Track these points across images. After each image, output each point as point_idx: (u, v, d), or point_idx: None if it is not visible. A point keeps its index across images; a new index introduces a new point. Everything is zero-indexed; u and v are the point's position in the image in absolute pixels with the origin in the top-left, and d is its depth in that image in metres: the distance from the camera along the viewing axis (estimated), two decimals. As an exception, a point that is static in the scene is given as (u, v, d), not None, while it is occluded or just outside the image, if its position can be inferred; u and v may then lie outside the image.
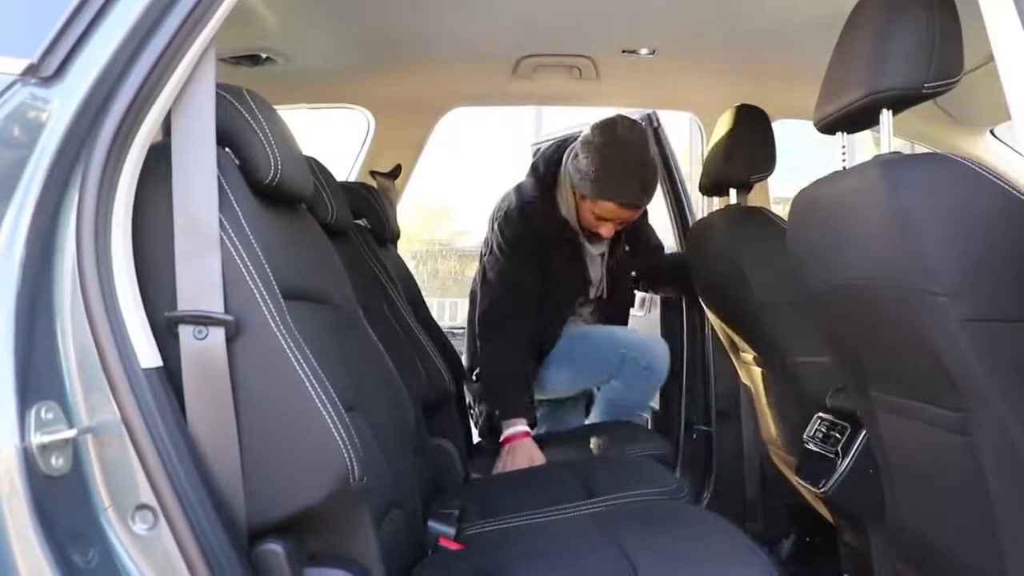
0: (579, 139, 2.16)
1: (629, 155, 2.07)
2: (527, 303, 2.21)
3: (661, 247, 2.65)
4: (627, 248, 2.43)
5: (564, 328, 2.36)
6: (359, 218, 2.13)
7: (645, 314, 2.77)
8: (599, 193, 2.08)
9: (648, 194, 2.14)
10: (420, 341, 2.04)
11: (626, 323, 2.60)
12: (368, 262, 2.00)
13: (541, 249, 2.22)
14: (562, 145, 2.27)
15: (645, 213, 2.42)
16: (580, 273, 2.33)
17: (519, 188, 2.29)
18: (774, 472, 2.16)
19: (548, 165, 2.25)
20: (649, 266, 2.58)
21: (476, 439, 2.46)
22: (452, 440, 2.04)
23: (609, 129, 2.11)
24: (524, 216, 2.21)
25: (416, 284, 2.44)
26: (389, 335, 1.83)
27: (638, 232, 2.48)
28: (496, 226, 2.27)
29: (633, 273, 2.51)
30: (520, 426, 2.11)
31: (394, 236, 2.35)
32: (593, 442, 1.74)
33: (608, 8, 1.85)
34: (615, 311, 2.52)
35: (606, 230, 2.17)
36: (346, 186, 2.05)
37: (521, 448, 2.09)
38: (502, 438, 2.13)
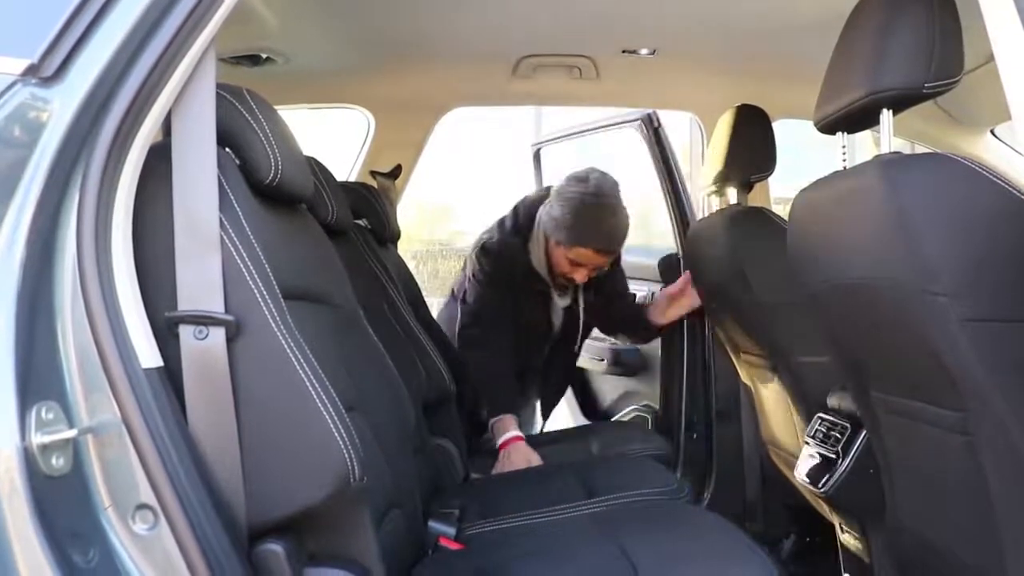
0: (553, 191, 2.23)
1: (602, 202, 2.15)
2: (505, 321, 2.31)
3: (629, 296, 2.59)
4: (594, 294, 2.43)
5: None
6: (359, 218, 2.13)
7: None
8: (574, 239, 2.15)
9: (620, 240, 2.21)
10: (420, 341, 2.04)
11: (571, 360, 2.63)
12: (368, 262, 2.00)
13: (513, 286, 2.30)
14: (542, 198, 2.31)
15: (617, 260, 2.44)
16: (546, 322, 2.40)
17: (501, 224, 2.36)
18: (774, 472, 2.16)
19: (527, 212, 2.32)
20: (614, 314, 2.55)
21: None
22: (452, 440, 2.04)
23: (583, 180, 2.18)
24: (502, 251, 2.30)
25: (416, 284, 2.44)
26: (389, 335, 1.83)
27: (610, 279, 2.46)
28: (475, 255, 2.35)
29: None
30: (512, 430, 2.16)
31: (394, 236, 2.35)
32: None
33: (608, 8, 1.85)
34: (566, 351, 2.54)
35: (580, 276, 2.22)
36: (346, 186, 2.06)
37: (516, 451, 2.12)
38: (498, 444, 2.16)
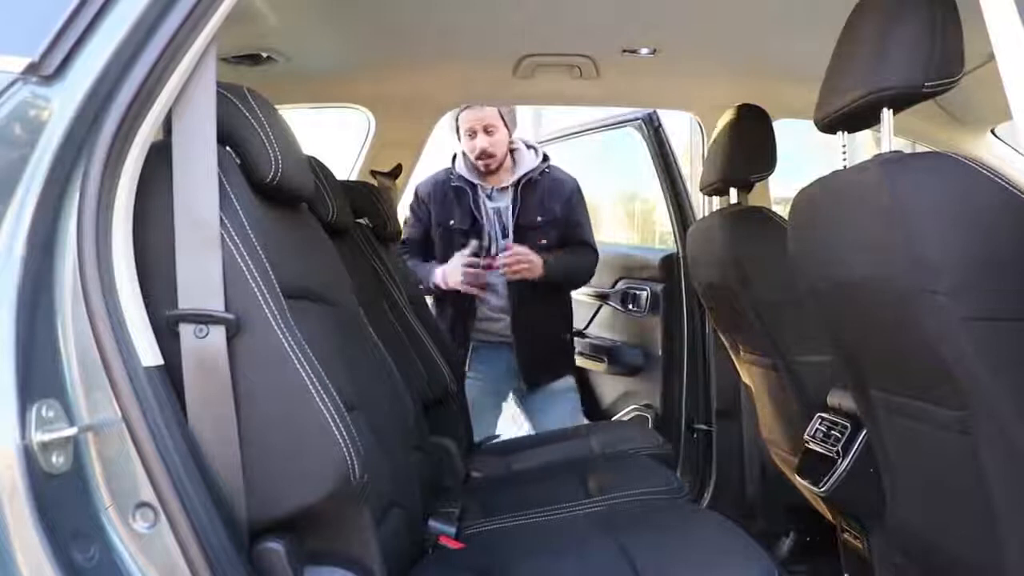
0: None
1: None
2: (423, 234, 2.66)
3: (583, 245, 2.63)
4: (540, 220, 2.56)
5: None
6: (360, 216, 2.14)
7: (645, 313, 2.76)
8: (454, 120, 2.52)
9: None
10: (421, 340, 2.04)
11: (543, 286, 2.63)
12: (369, 261, 2.00)
13: (439, 202, 2.59)
14: None
15: (572, 200, 2.60)
16: (472, 219, 2.56)
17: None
18: (774, 472, 2.16)
19: (452, 159, 2.64)
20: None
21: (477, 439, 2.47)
22: (452, 439, 2.04)
23: None
24: (424, 183, 2.65)
25: (417, 284, 2.44)
26: (389, 334, 1.83)
27: (568, 217, 2.60)
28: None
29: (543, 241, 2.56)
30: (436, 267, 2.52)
31: (395, 235, 2.35)
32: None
33: (608, 8, 1.85)
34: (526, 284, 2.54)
35: (480, 141, 2.48)
36: (347, 184, 2.06)
37: (451, 268, 2.45)
38: (433, 282, 2.51)
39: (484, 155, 2.49)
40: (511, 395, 2.72)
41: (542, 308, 2.55)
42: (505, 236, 2.53)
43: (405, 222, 2.63)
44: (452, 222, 2.56)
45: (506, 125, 2.53)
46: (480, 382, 2.58)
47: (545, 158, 2.62)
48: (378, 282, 2.00)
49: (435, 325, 2.38)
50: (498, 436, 2.59)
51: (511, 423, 2.97)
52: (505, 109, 2.53)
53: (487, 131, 2.49)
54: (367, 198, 2.18)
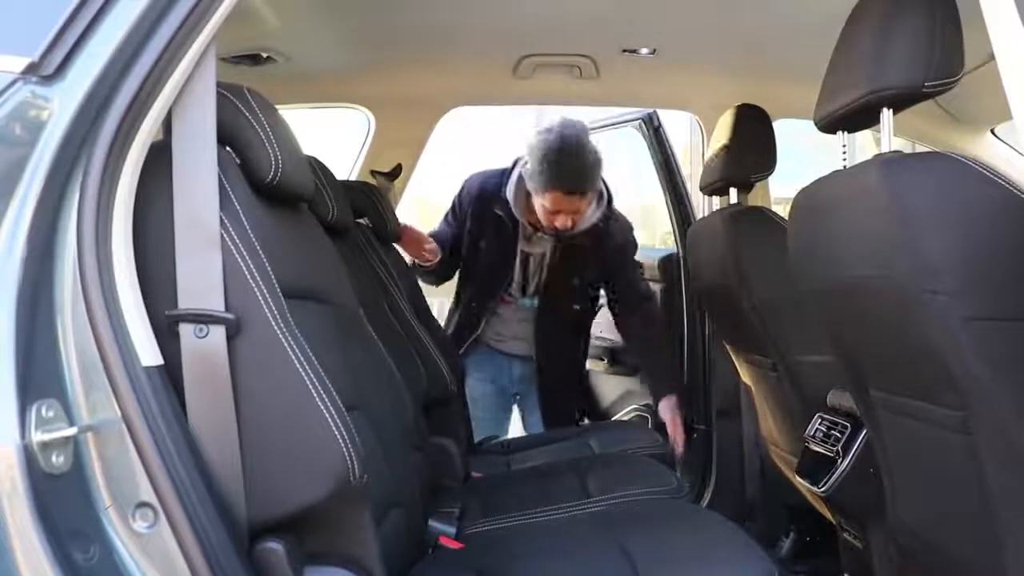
0: (526, 146, 2.31)
1: (564, 146, 2.20)
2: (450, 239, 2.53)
3: (633, 280, 2.56)
4: (590, 267, 2.46)
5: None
6: (360, 216, 2.14)
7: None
8: (542, 184, 2.22)
9: (586, 180, 2.23)
10: (421, 340, 2.04)
11: (567, 345, 2.60)
12: (369, 261, 2.00)
13: (480, 217, 2.44)
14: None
15: (626, 251, 2.49)
16: (506, 255, 2.44)
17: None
18: (774, 472, 2.16)
19: (512, 166, 2.44)
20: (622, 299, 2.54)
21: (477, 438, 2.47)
22: (453, 439, 2.04)
23: (547, 130, 2.25)
24: (475, 182, 2.49)
25: (418, 283, 2.45)
26: (389, 334, 1.83)
27: (616, 266, 2.50)
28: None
29: (576, 307, 2.50)
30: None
31: (395, 235, 2.36)
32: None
33: (608, 8, 1.85)
34: (548, 324, 2.50)
35: (561, 222, 2.27)
36: (347, 184, 2.07)
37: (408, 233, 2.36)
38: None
39: (555, 230, 2.31)
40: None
41: (564, 350, 2.56)
42: (536, 286, 2.45)
43: (445, 215, 2.60)
44: (482, 243, 2.45)
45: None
46: (483, 383, 2.58)
47: (609, 202, 2.41)
48: (378, 282, 2.00)
49: (436, 325, 2.37)
50: (497, 436, 2.59)
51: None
52: (596, 180, 2.26)
53: (574, 214, 2.27)
54: (367, 198, 2.18)
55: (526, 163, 2.28)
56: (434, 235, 2.53)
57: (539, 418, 2.61)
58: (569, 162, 2.19)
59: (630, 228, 2.54)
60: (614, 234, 2.45)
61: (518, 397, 2.68)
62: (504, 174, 2.43)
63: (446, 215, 2.59)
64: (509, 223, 2.40)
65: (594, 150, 2.24)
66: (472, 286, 2.52)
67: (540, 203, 2.27)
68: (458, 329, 2.55)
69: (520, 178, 2.34)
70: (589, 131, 2.30)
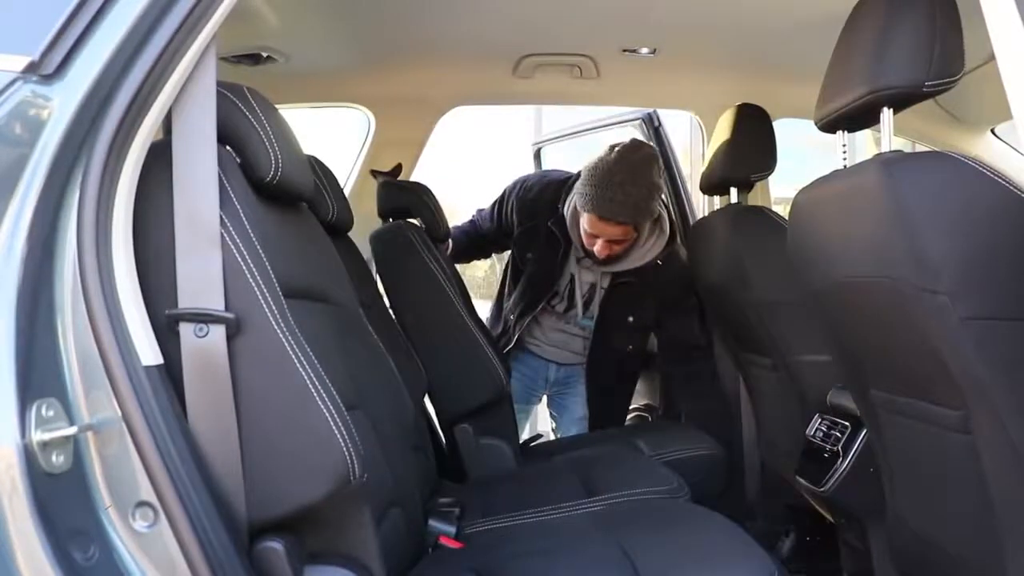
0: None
1: (619, 172, 2.10)
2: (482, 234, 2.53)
3: (680, 315, 2.41)
4: (643, 308, 2.31)
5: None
6: (413, 217, 2.18)
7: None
8: (583, 204, 2.14)
9: (628, 212, 2.11)
10: (478, 340, 2.05)
11: (614, 383, 2.49)
12: (427, 261, 2.03)
13: (528, 218, 2.35)
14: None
15: (682, 290, 2.32)
16: (552, 272, 2.33)
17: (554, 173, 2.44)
18: (774, 472, 2.16)
19: (572, 176, 2.34)
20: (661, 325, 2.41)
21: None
22: (506, 441, 2.05)
23: (612, 148, 2.15)
24: (533, 184, 2.39)
25: (463, 282, 2.42)
26: (392, 334, 1.83)
27: (670, 303, 2.34)
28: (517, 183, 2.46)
29: (629, 347, 2.37)
30: None
31: (446, 235, 2.37)
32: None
33: (608, 8, 1.85)
34: (601, 360, 2.38)
35: (597, 247, 2.18)
36: (401, 185, 2.18)
37: None
38: None
39: (596, 254, 2.19)
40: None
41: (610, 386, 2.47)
42: (586, 313, 2.32)
43: (480, 210, 2.56)
44: (529, 255, 2.34)
45: (641, 227, 2.15)
46: (518, 382, 2.51)
47: (672, 238, 2.26)
48: (436, 282, 2.02)
49: (483, 325, 2.32)
50: (541, 436, 2.58)
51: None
52: (641, 213, 2.10)
53: (611, 244, 2.16)
54: (420, 199, 2.21)
55: (577, 188, 2.18)
56: (459, 227, 2.50)
57: (575, 420, 2.56)
58: (612, 187, 2.08)
59: (687, 270, 2.32)
60: (675, 270, 2.30)
61: (550, 399, 2.64)
62: (565, 186, 2.31)
63: (482, 210, 2.52)
64: (562, 240, 2.28)
65: (651, 183, 2.11)
66: (516, 296, 2.42)
67: (581, 223, 2.19)
68: (497, 335, 2.46)
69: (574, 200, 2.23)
70: (656, 161, 2.19)
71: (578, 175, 2.25)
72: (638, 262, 2.25)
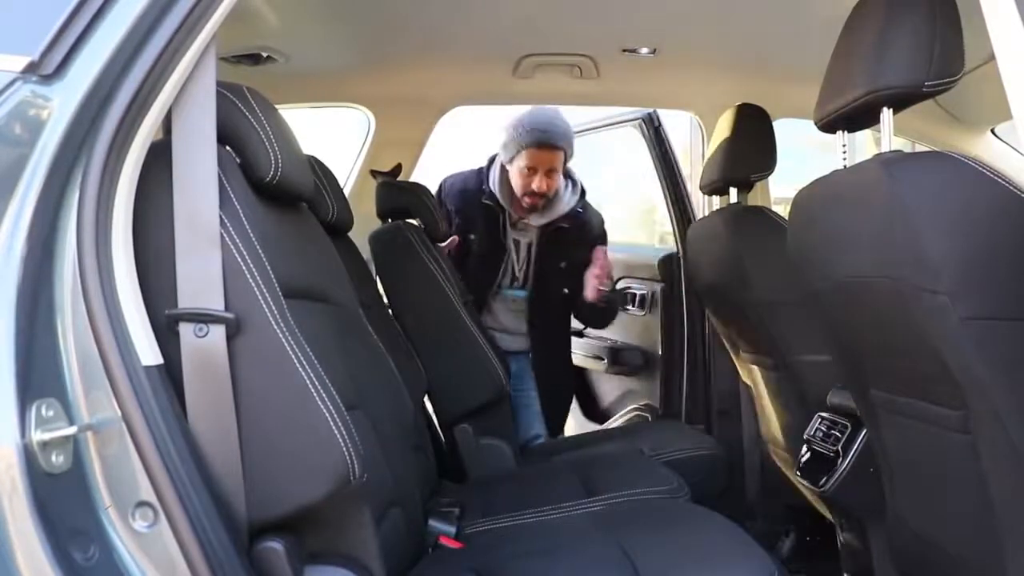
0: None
1: (542, 112, 2.37)
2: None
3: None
4: (563, 266, 2.48)
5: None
6: (412, 217, 2.20)
7: (645, 313, 2.76)
8: (520, 144, 2.33)
9: (561, 136, 2.33)
10: (478, 341, 2.05)
11: (560, 331, 2.63)
12: (427, 262, 2.05)
13: (463, 204, 2.51)
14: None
15: (603, 238, 2.53)
16: (499, 242, 2.48)
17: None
18: (774, 472, 2.16)
19: (489, 163, 2.53)
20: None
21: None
22: (506, 441, 2.05)
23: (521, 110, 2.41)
24: (454, 181, 2.56)
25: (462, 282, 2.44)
26: (392, 334, 1.83)
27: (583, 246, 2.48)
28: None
29: (565, 291, 2.51)
30: None
31: (446, 235, 2.39)
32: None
33: (608, 8, 1.85)
34: (541, 312, 2.53)
35: (539, 183, 2.33)
36: (400, 185, 2.20)
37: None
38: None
39: (534, 195, 2.36)
40: None
41: (556, 337, 2.60)
42: (525, 275, 2.49)
43: None
44: (472, 237, 2.49)
45: (566, 160, 2.39)
46: None
47: (582, 194, 2.51)
48: (436, 283, 2.04)
49: (482, 325, 2.34)
50: (539, 437, 2.58)
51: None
52: (569, 141, 2.36)
53: (548, 174, 2.34)
54: (419, 199, 2.22)
55: (504, 143, 2.39)
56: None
57: (531, 415, 2.57)
58: (543, 122, 2.32)
59: (602, 220, 2.61)
60: (592, 220, 2.55)
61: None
62: (481, 171, 2.53)
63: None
64: (497, 210, 2.46)
65: (562, 116, 2.37)
66: (467, 280, 2.50)
67: (517, 168, 2.36)
68: None
69: (502, 168, 2.43)
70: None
71: (491, 160, 2.49)
72: (564, 210, 2.44)
